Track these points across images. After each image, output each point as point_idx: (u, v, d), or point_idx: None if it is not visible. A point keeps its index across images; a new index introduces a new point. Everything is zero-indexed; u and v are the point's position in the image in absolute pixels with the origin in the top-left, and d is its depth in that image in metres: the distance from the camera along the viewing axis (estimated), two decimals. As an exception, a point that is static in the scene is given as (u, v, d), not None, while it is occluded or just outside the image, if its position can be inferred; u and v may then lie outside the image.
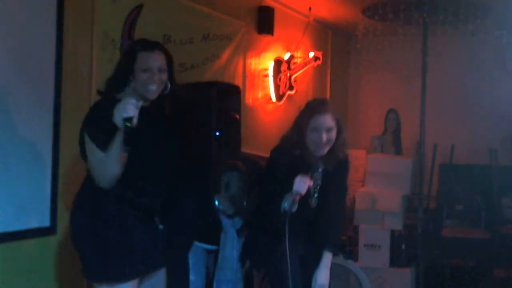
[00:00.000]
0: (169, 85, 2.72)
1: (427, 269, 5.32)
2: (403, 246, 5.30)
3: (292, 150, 3.05)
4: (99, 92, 2.75)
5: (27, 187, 3.29)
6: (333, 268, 3.23)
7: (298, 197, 2.92)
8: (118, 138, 2.49)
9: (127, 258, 2.60)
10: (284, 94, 6.24)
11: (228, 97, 3.61)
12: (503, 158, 6.56)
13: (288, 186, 2.94)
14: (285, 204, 2.92)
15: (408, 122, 6.54)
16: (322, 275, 3.13)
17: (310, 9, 6.41)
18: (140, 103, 2.51)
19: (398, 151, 6.61)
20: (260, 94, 5.89)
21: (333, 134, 3.04)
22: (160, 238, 2.77)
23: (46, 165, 3.40)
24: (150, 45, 2.72)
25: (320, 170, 3.06)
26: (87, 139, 2.57)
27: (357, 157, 5.97)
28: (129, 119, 2.45)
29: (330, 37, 7.39)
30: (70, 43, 3.54)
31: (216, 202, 3.27)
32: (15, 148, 3.21)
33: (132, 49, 2.76)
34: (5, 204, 3.16)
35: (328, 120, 3.02)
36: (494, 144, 6.61)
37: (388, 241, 5.07)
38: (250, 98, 5.68)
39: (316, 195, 3.12)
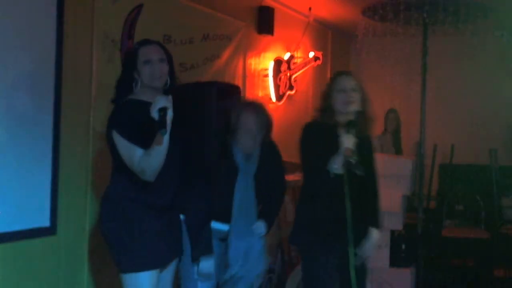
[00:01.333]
0: (168, 79, 2.83)
1: (427, 269, 5.32)
2: (403, 246, 5.29)
3: (323, 116, 3.19)
4: (112, 100, 2.86)
5: (27, 187, 3.29)
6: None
7: (348, 152, 2.96)
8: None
9: (148, 250, 2.75)
10: (284, 94, 6.24)
11: (228, 97, 3.61)
12: (503, 158, 6.55)
13: (327, 151, 3.00)
14: (334, 165, 2.97)
15: (408, 122, 6.54)
16: (366, 250, 3.22)
17: (310, 9, 6.41)
18: (171, 97, 2.65)
19: (398, 151, 6.61)
20: (260, 94, 5.89)
21: (357, 95, 3.20)
22: (176, 230, 2.91)
23: (46, 165, 3.41)
24: (149, 41, 2.87)
25: (354, 130, 3.07)
26: (121, 141, 2.68)
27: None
28: (163, 109, 2.59)
29: (330, 37, 7.40)
30: (70, 43, 3.54)
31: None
32: (15, 148, 3.21)
33: (133, 48, 2.92)
34: (5, 204, 3.16)
35: (351, 81, 3.23)
36: (494, 144, 6.60)
37: (388, 241, 5.07)
38: (250, 98, 5.68)
39: (358, 160, 3.05)
